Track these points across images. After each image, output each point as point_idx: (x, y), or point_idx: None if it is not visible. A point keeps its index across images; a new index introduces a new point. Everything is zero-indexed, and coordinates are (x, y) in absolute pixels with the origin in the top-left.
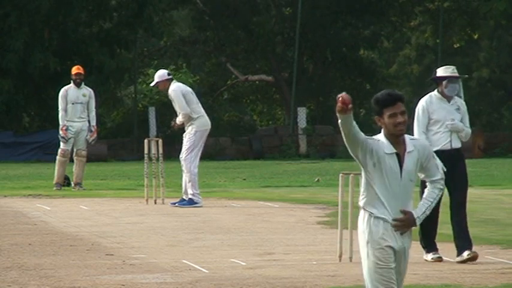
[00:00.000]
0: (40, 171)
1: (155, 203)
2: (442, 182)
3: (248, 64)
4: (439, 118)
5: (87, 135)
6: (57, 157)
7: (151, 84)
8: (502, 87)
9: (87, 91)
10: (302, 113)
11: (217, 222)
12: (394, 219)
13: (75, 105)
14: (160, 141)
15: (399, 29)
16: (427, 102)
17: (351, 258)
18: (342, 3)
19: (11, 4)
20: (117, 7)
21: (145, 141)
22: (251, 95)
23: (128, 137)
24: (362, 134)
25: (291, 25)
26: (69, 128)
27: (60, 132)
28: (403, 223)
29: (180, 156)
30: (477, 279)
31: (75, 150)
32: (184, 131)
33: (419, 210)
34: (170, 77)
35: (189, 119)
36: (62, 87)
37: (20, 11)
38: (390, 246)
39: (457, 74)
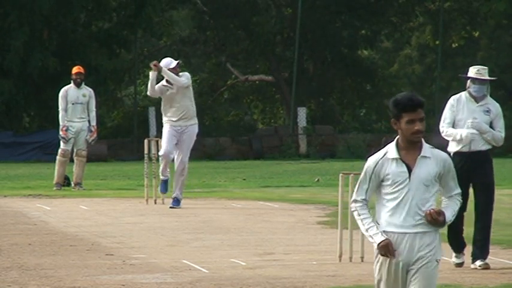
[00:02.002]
0: (40, 171)
1: (155, 203)
2: (459, 197)
3: (248, 64)
4: (461, 118)
5: (87, 135)
6: (57, 157)
7: (173, 62)
8: (502, 87)
9: (87, 91)
10: (302, 113)
11: (217, 222)
12: (428, 213)
13: (75, 106)
14: (160, 141)
15: (399, 29)
16: (455, 100)
17: (351, 258)
18: (341, 3)
19: (11, 4)
20: (117, 7)
21: (145, 141)
22: (251, 95)
23: (128, 137)
24: (369, 195)
25: (290, 25)
26: (69, 128)
27: (60, 132)
28: (435, 220)
29: (183, 159)
30: (477, 279)
31: (75, 150)
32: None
33: (448, 214)
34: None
35: (193, 114)
36: (62, 87)
37: (20, 11)
38: (397, 259)
39: (481, 76)
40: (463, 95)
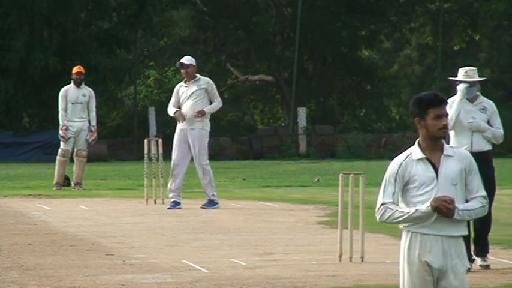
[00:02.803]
0: (40, 171)
1: (155, 203)
2: (484, 200)
3: (248, 64)
4: (460, 118)
5: (87, 135)
6: (57, 157)
7: (182, 61)
8: (502, 87)
9: (87, 91)
10: (302, 112)
11: (217, 222)
12: (436, 198)
13: (75, 105)
14: (160, 141)
15: (399, 29)
16: (452, 102)
17: (350, 258)
18: (341, 3)
19: (11, 4)
20: (117, 7)
21: (145, 141)
22: (251, 95)
23: (128, 137)
24: (397, 198)
25: (290, 25)
26: (69, 128)
27: (60, 132)
28: (444, 206)
29: (201, 161)
30: (477, 279)
31: (75, 150)
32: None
33: (464, 206)
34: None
35: (206, 116)
36: (62, 87)
37: (20, 11)
38: (427, 262)
39: (470, 79)
40: (457, 97)
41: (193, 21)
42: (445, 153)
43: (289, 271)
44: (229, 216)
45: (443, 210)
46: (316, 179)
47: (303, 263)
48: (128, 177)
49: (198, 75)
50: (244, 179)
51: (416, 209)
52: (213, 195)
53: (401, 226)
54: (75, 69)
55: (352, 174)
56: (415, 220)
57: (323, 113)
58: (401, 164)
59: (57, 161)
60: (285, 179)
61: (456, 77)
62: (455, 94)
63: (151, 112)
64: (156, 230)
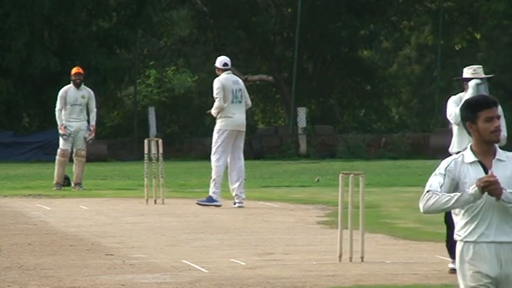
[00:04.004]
0: (40, 171)
1: (155, 203)
2: None
3: (248, 64)
4: None
5: (85, 134)
6: (57, 157)
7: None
8: (502, 87)
9: (86, 92)
10: (302, 113)
11: (217, 222)
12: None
13: (74, 107)
14: (160, 141)
15: (399, 29)
16: (455, 101)
17: (351, 258)
18: (341, 3)
19: (11, 4)
20: (117, 7)
21: (145, 141)
22: (251, 95)
23: (128, 137)
24: (447, 188)
25: (290, 25)
26: (68, 127)
27: (60, 131)
28: (491, 183)
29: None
30: None
31: (74, 150)
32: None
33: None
34: (227, 67)
35: (219, 115)
36: (62, 87)
37: (20, 11)
38: (480, 272)
39: (479, 75)
40: (462, 96)
41: (193, 21)
42: (497, 157)
43: (289, 271)
44: (229, 216)
45: (490, 187)
46: (316, 179)
47: (303, 263)
48: (128, 177)
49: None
50: (244, 179)
51: (464, 191)
52: (214, 192)
53: (455, 236)
54: (74, 70)
55: (352, 174)
56: (463, 203)
57: (323, 113)
58: (451, 162)
59: (56, 161)
60: (285, 179)
61: (457, 76)
62: (455, 94)
63: (151, 112)
64: (156, 230)
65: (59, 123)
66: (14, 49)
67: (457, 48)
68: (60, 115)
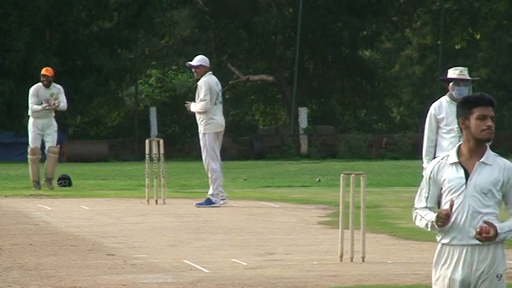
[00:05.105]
0: (40, 171)
1: (156, 203)
2: None
3: (249, 64)
4: (447, 123)
5: (54, 130)
6: (28, 156)
7: (191, 63)
8: (502, 88)
9: (55, 90)
10: (303, 113)
11: (218, 222)
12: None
13: None
14: (161, 141)
15: (400, 29)
16: (435, 108)
17: (352, 258)
18: (342, 3)
19: (11, 4)
20: (118, 7)
21: (147, 141)
22: (252, 95)
23: (129, 137)
24: (431, 202)
25: (291, 25)
26: (37, 125)
27: (44, 106)
28: (485, 237)
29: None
30: None
31: (46, 148)
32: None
33: (504, 226)
34: (209, 67)
35: (200, 118)
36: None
37: (20, 11)
38: (451, 277)
39: (465, 77)
40: (444, 99)
41: (194, 21)
42: (482, 160)
43: (290, 271)
44: (230, 216)
45: (445, 221)
46: (317, 179)
47: (304, 263)
48: (129, 177)
49: (206, 75)
50: (245, 179)
51: (431, 221)
52: (213, 194)
53: (436, 237)
54: (42, 71)
55: (353, 175)
56: (432, 229)
57: (324, 113)
58: (434, 167)
59: (28, 161)
60: (286, 179)
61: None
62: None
63: (153, 112)
64: (157, 230)
65: (40, 108)
66: (14, 49)
67: (457, 48)
68: (35, 106)
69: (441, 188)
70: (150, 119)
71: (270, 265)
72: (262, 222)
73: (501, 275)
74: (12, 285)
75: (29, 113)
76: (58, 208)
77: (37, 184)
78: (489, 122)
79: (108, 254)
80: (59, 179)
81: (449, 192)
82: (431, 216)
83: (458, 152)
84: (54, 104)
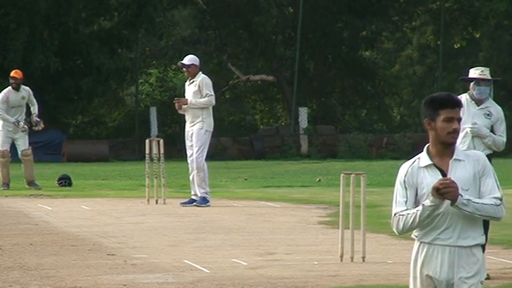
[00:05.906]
0: (41, 171)
1: (156, 203)
2: (498, 201)
3: (249, 64)
4: (462, 121)
5: (25, 131)
6: None
7: (183, 62)
8: (503, 88)
9: (25, 92)
10: (303, 113)
11: (218, 222)
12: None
13: (17, 109)
14: (161, 141)
15: (400, 29)
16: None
17: (352, 258)
18: (342, 3)
19: (10, 4)
20: (118, 6)
21: (147, 141)
22: (252, 95)
23: (129, 137)
24: (411, 203)
25: (292, 25)
26: (7, 129)
27: (19, 128)
28: (446, 186)
29: (190, 157)
30: None
31: (19, 152)
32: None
33: (469, 197)
34: (199, 66)
35: (200, 115)
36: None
37: (20, 11)
38: (429, 276)
39: (486, 76)
40: (464, 97)
41: (194, 21)
42: (454, 157)
43: (291, 271)
44: (231, 216)
45: (443, 190)
46: (317, 179)
47: (304, 263)
48: (129, 177)
49: (200, 74)
50: (245, 179)
51: (422, 205)
52: (206, 192)
53: (413, 235)
54: (11, 73)
55: (353, 175)
56: (427, 216)
57: (324, 113)
58: (407, 170)
59: None
60: (287, 179)
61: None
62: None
63: (153, 112)
64: (157, 230)
65: (11, 121)
66: (13, 49)
67: (456, 47)
68: (7, 117)
69: (417, 193)
70: (150, 119)
71: (270, 265)
72: (263, 222)
73: (483, 282)
74: (13, 285)
75: (4, 118)
76: (58, 208)
77: (6, 185)
78: (456, 125)
79: (108, 254)
80: (59, 179)
81: (428, 190)
82: (418, 207)
83: (429, 154)
84: (38, 129)
